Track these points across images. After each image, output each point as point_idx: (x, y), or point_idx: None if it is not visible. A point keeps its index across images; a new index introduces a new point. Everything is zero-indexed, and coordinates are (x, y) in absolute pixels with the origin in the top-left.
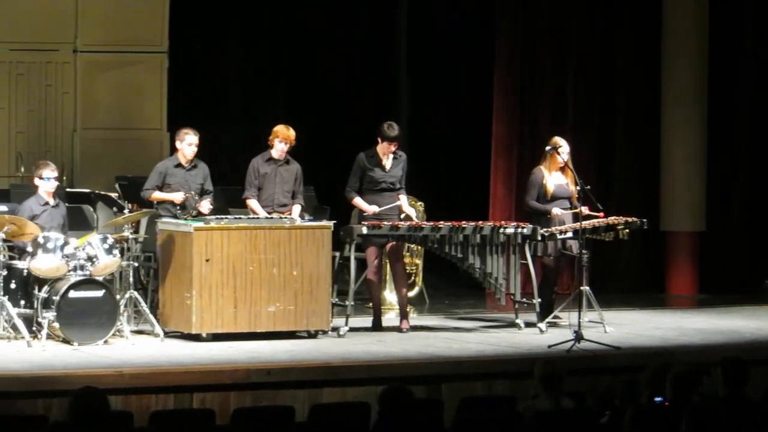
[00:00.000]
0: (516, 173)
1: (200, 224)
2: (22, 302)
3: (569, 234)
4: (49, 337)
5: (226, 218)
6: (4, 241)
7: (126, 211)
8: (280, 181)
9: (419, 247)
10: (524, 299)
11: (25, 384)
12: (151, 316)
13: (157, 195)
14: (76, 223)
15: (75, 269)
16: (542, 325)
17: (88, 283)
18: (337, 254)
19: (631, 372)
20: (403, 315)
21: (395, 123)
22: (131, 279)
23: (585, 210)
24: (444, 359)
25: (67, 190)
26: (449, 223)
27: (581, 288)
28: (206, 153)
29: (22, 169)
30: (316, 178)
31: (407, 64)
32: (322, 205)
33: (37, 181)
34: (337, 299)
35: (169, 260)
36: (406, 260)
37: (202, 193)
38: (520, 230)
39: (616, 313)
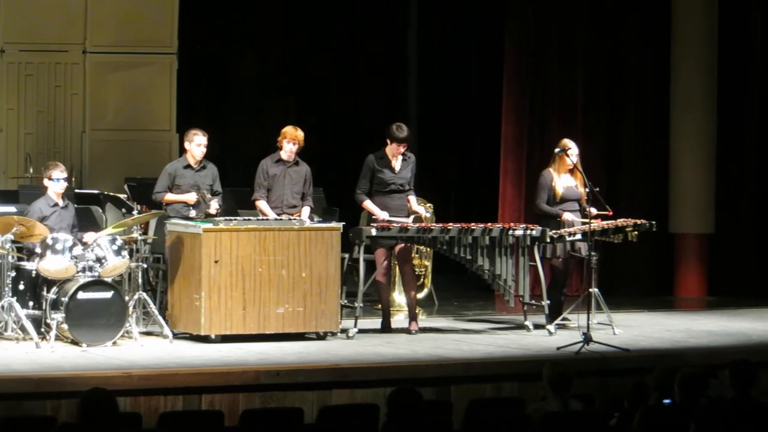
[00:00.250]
0: (525, 175)
1: (209, 225)
2: (31, 303)
3: (578, 236)
4: (57, 338)
5: (235, 219)
6: (13, 242)
7: (135, 212)
8: (289, 183)
9: (428, 249)
10: (533, 301)
11: (33, 385)
12: (159, 318)
13: (170, 197)
14: (85, 224)
15: (84, 270)
16: (551, 327)
17: (97, 284)
18: (346, 256)
19: (640, 374)
20: (412, 317)
21: (404, 124)
22: (140, 280)
23: (594, 211)
24: (453, 361)
25: (76, 191)
26: (458, 225)
27: (590, 290)
28: (215, 154)
29: (31, 170)
30: (325, 180)
31: (417, 66)
32: (331, 206)
33: (46, 182)
34: (346, 301)
35: (178, 261)
36: (415, 262)
37: (211, 194)
38: (529, 232)
39: (624, 315)
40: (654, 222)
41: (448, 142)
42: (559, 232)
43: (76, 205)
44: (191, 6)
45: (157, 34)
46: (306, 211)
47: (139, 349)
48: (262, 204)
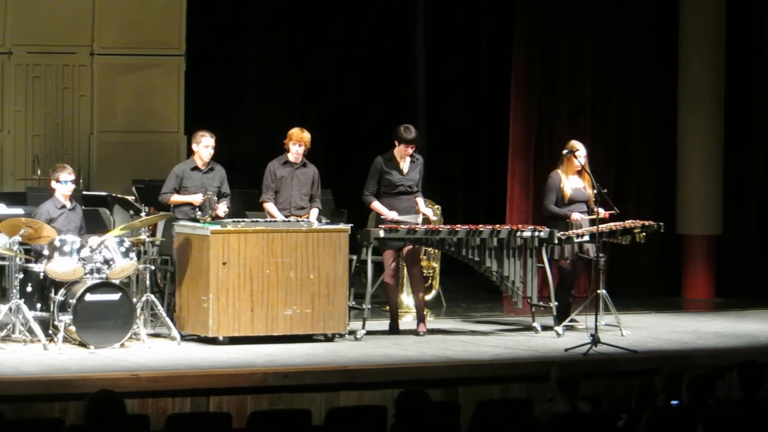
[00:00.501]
0: (533, 176)
1: (217, 227)
2: (39, 305)
3: (586, 237)
4: (65, 340)
5: (243, 221)
6: (21, 244)
7: (143, 214)
8: (297, 184)
9: (436, 251)
10: (541, 302)
11: (41, 387)
12: (167, 320)
13: (176, 198)
14: (93, 226)
15: (91, 272)
16: (559, 329)
17: (105, 286)
18: (354, 257)
19: (648, 375)
20: (420, 318)
21: (412, 126)
22: (148, 282)
23: (602, 212)
24: (461, 362)
25: (84, 193)
26: (466, 227)
27: (598, 291)
28: (223, 156)
29: (39, 172)
30: (333, 182)
31: (425, 67)
32: (339, 208)
33: (54, 184)
34: (354, 302)
35: (185, 263)
36: (423, 263)
37: (219, 196)
38: (537, 233)
39: (632, 316)
40: (662, 223)
41: (456, 143)
42: (567, 233)
43: (83, 207)
44: (199, 8)
45: (164, 36)
46: (314, 212)
47: (147, 351)
48: (270, 206)
